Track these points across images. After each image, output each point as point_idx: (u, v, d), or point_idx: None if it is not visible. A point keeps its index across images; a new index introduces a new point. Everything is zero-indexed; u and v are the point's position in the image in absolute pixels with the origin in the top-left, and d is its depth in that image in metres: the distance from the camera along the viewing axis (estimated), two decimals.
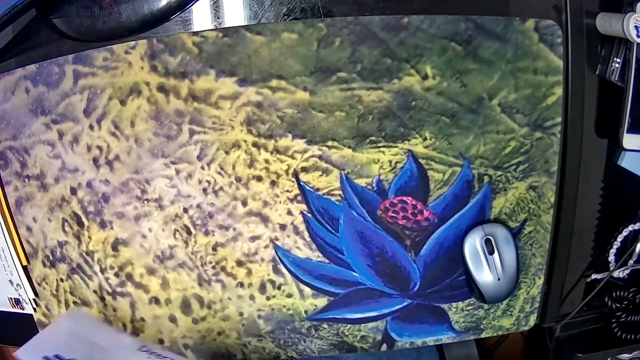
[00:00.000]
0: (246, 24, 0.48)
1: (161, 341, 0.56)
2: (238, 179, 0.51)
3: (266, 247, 0.52)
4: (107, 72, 0.49)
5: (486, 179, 0.51)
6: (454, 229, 0.52)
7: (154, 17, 0.48)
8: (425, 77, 0.48)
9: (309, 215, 0.51)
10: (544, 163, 0.51)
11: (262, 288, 0.54)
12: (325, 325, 0.55)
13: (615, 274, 0.55)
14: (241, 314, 0.54)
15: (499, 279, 0.51)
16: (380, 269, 0.52)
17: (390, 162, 0.50)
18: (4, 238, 0.55)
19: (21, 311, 0.58)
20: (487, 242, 0.51)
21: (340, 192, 0.51)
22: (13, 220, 0.55)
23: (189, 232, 0.52)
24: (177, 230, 0.52)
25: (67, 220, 0.54)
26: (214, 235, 0.52)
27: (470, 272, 0.51)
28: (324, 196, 0.51)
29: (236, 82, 0.48)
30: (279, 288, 0.53)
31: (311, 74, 0.48)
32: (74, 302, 0.56)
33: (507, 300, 0.54)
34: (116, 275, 0.54)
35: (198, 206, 0.51)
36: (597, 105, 0.51)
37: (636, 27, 0.45)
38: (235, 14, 0.49)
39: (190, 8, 0.48)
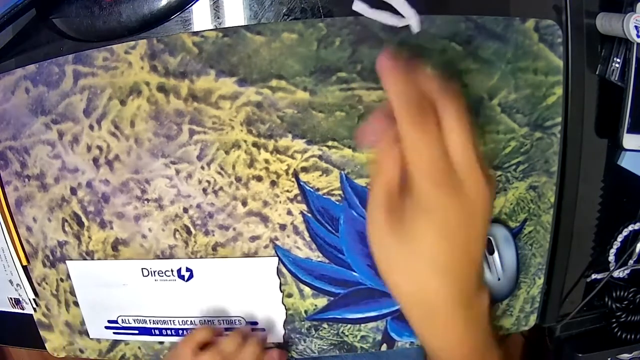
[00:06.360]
0: (246, 24, 0.48)
1: (161, 342, 0.56)
2: (238, 179, 0.51)
3: (266, 247, 0.52)
4: (107, 72, 0.49)
5: None
6: None
7: (154, 17, 0.48)
8: None
9: (309, 215, 0.51)
10: (544, 163, 0.51)
11: None
12: (325, 325, 0.55)
13: (615, 274, 0.55)
14: None
15: (499, 279, 0.51)
16: None
17: None
18: (4, 238, 0.55)
19: (21, 311, 0.58)
20: (487, 242, 0.51)
21: (341, 192, 0.51)
22: (13, 220, 0.55)
23: (189, 232, 0.52)
24: (177, 230, 0.52)
25: (67, 220, 0.54)
26: (214, 235, 0.52)
27: None
28: (324, 196, 0.51)
29: (236, 82, 0.48)
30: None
31: (311, 74, 0.48)
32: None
33: (507, 300, 0.54)
34: None
35: (198, 206, 0.51)
36: (597, 105, 0.51)
37: (636, 27, 0.45)
38: (235, 14, 0.48)
39: (190, 8, 0.48)
